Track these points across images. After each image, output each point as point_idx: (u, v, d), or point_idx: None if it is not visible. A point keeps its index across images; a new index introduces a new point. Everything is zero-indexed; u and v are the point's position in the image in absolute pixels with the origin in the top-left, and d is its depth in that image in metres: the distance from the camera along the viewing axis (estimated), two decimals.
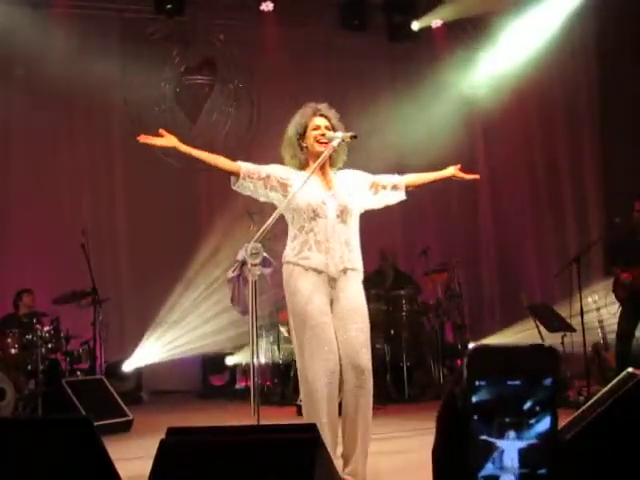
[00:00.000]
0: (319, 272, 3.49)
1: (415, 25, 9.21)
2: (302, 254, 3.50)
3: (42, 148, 8.42)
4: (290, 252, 3.54)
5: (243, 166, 3.61)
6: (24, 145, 8.35)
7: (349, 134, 3.55)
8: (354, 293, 3.57)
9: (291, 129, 3.67)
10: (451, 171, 3.83)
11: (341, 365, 3.45)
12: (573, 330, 6.63)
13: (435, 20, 9.27)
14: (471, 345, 6.52)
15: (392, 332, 7.46)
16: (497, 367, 1.60)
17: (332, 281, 3.52)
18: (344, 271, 3.54)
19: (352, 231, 3.63)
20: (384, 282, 7.90)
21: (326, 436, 3.33)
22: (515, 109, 9.28)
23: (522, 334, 7.89)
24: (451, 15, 9.00)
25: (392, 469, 4.09)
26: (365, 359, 3.47)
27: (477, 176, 3.90)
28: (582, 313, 6.14)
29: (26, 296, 7.05)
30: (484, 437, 1.58)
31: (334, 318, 3.50)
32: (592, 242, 6.54)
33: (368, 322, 3.59)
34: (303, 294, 3.46)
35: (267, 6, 8.89)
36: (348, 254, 3.56)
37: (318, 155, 3.56)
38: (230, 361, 8.41)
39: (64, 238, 7.74)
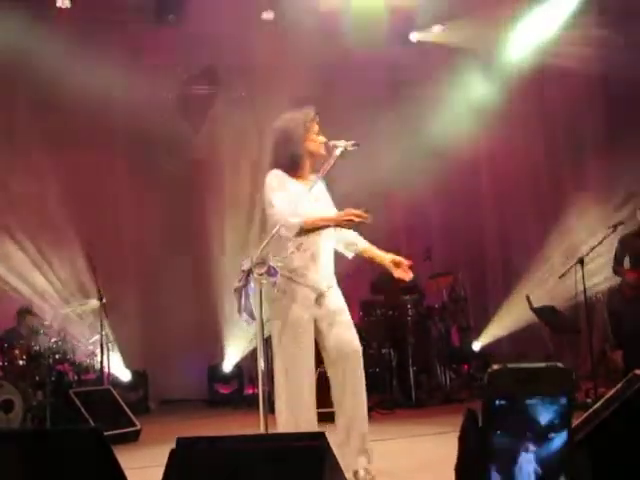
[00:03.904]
0: (310, 288, 3.60)
1: (414, 36, 9.21)
2: (297, 272, 3.58)
3: (46, 156, 8.45)
4: (285, 266, 3.58)
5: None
6: (28, 153, 8.39)
7: (351, 143, 3.56)
8: (337, 296, 3.73)
9: (296, 129, 3.65)
10: (388, 259, 3.76)
11: (330, 357, 3.61)
12: (578, 332, 6.63)
13: (436, 26, 9.27)
14: (476, 345, 6.54)
15: (398, 337, 7.46)
16: (516, 387, 1.66)
17: (320, 296, 3.64)
18: (330, 286, 3.70)
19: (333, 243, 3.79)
20: (388, 287, 7.90)
21: None
22: (517, 114, 9.28)
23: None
24: (452, 40, 9.03)
25: (399, 473, 4.10)
26: (357, 344, 3.65)
27: (409, 276, 3.81)
28: (588, 315, 6.14)
29: (29, 318, 7.03)
30: (505, 451, 1.63)
31: (319, 320, 3.62)
32: (596, 243, 6.54)
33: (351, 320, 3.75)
34: (289, 300, 3.56)
35: (267, 14, 8.92)
36: (332, 269, 3.72)
37: (318, 158, 3.64)
38: (227, 367, 8.44)
39: (70, 248, 7.78)
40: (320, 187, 3.76)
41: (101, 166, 8.80)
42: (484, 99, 9.20)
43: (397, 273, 3.73)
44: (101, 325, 6.87)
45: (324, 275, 3.64)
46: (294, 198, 3.51)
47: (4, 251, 7.95)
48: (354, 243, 3.81)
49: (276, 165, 3.66)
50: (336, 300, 3.71)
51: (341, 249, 3.85)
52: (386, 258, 3.76)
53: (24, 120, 8.43)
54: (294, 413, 3.45)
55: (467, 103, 9.29)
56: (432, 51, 9.33)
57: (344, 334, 3.64)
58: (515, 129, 9.41)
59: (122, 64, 8.60)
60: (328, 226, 3.56)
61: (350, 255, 3.86)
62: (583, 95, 9.50)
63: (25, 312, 7.04)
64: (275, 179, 3.61)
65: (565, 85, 9.34)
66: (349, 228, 3.58)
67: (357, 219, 3.43)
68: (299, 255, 3.57)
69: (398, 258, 3.75)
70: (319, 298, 3.63)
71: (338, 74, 9.19)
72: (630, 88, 8.47)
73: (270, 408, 3.29)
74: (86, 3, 8.58)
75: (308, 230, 3.52)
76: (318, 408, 3.61)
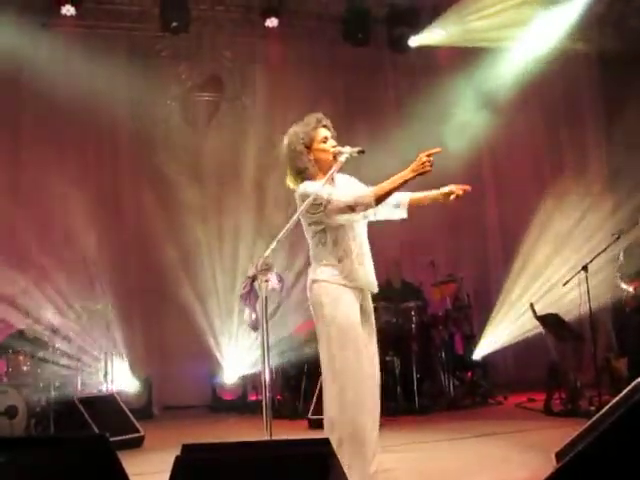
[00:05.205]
0: (360, 289, 3.62)
1: (413, 41, 9.23)
2: (351, 276, 3.57)
3: (50, 164, 8.47)
4: (337, 272, 3.56)
5: None
6: (32, 160, 8.42)
7: (356, 149, 3.57)
8: (372, 315, 3.73)
9: (297, 143, 3.64)
10: (450, 188, 3.66)
11: None
12: (582, 340, 6.62)
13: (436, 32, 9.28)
14: (480, 353, 6.55)
15: (402, 344, 7.46)
16: None
17: (363, 293, 3.65)
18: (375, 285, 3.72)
19: None
20: (392, 294, 7.91)
21: (368, 449, 3.47)
22: (520, 119, 9.30)
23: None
24: (447, 41, 9.05)
25: (402, 479, 4.09)
26: (378, 374, 3.67)
27: (469, 188, 3.70)
28: (592, 323, 6.13)
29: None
30: None
31: (362, 323, 3.63)
32: (600, 251, 6.55)
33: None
34: (345, 305, 3.55)
35: (272, 22, 8.95)
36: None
37: (329, 166, 3.60)
38: (229, 379, 8.43)
39: (74, 256, 7.80)
40: (347, 182, 3.74)
41: (104, 172, 8.83)
42: (487, 96, 9.21)
43: (453, 196, 3.61)
44: (105, 331, 6.89)
45: (372, 275, 3.68)
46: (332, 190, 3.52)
47: (8, 256, 7.97)
48: (399, 201, 3.69)
49: (293, 179, 3.69)
50: (371, 304, 3.72)
51: (394, 215, 3.74)
52: (438, 193, 3.66)
53: (29, 125, 8.46)
54: (356, 419, 3.43)
55: (469, 106, 9.30)
56: (433, 53, 9.36)
57: (375, 362, 3.66)
58: (519, 134, 9.42)
59: (126, 71, 8.64)
60: (404, 183, 3.40)
61: (405, 213, 3.73)
62: (582, 78, 9.55)
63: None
64: (308, 186, 3.58)
65: (564, 69, 9.36)
66: (427, 172, 3.38)
67: (431, 157, 3.33)
68: (349, 259, 3.57)
69: (447, 189, 3.64)
70: (363, 296, 3.65)
71: (341, 81, 9.23)
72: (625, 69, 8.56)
73: (274, 414, 3.29)
74: (91, 11, 8.65)
75: (382, 197, 3.44)
76: None
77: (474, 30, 8.82)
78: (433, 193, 3.70)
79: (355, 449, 3.40)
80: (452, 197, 3.62)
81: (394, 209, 3.73)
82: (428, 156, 3.35)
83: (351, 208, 3.46)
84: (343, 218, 3.52)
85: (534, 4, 8.62)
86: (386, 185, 3.46)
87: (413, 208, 3.76)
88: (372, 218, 3.75)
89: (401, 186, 3.45)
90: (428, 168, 3.35)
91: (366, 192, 3.48)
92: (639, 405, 2.25)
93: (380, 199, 3.45)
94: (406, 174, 3.40)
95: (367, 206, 3.46)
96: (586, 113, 9.92)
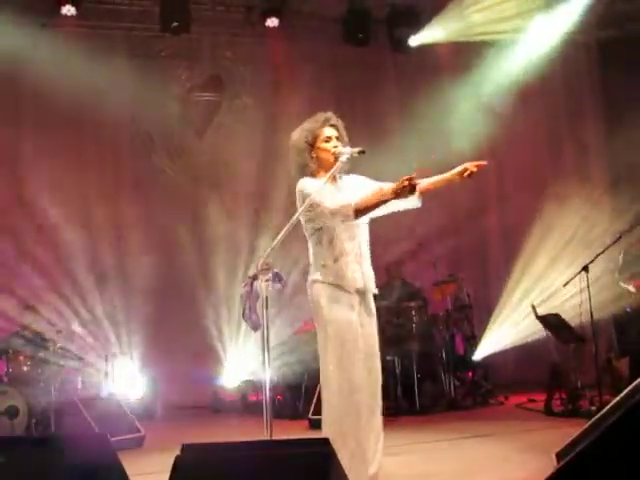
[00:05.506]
0: (358, 291, 3.60)
1: (413, 41, 9.22)
2: (346, 277, 3.56)
3: (51, 164, 8.47)
4: (334, 273, 3.56)
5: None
6: (34, 161, 8.41)
7: (357, 149, 3.57)
8: (374, 316, 3.70)
9: (300, 140, 3.66)
10: (464, 165, 3.59)
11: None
12: (583, 341, 6.62)
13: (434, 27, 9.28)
14: (480, 353, 6.51)
15: (402, 344, 7.46)
16: None
17: (362, 294, 3.63)
18: (373, 287, 3.69)
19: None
20: (392, 294, 7.91)
21: (365, 450, 3.46)
22: (521, 119, 9.29)
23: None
24: (447, 37, 9.04)
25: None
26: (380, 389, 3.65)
27: (484, 162, 3.63)
28: (592, 323, 6.13)
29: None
30: None
31: (361, 324, 3.61)
32: (601, 251, 6.54)
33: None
34: (343, 306, 3.54)
35: (272, 22, 8.96)
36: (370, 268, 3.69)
37: (330, 166, 3.60)
38: (231, 383, 8.42)
39: (75, 257, 7.79)
40: (354, 183, 3.72)
41: (104, 172, 8.82)
42: (488, 96, 9.21)
43: (467, 174, 3.57)
44: (107, 331, 6.89)
45: (370, 276, 3.66)
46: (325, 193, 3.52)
47: (8, 255, 7.97)
48: None
49: (295, 175, 3.69)
50: (372, 305, 3.70)
51: (407, 206, 3.69)
52: (453, 174, 3.61)
53: (29, 125, 8.46)
54: (353, 419, 3.41)
55: (470, 105, 9.30)
56: (434, 52, 9.36)
57: (377, 374, 3.65)
58: (520, 135, 9.41)
59: (126, 71, 8.64)
60: (386, 201, 3.42)
61: (418, 202, 3.67)
62: (583, 77, 9.54)
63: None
64: (305, 183, 3.59)
65: (565, 69, 9.36)
66: (409, 195, 3.39)
67: (413, 181, 3.32)
68: (344, 259, 3.56)
69: (461, 168, 3.59)
70: (362, 297, 3.63)
71: (342, 82, 9.23)
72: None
73: (274, 414, 3.29)
74: (91, 10, 8.65)
75: (362, 212, 3.45)
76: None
77: (474, 24, 8.82)
78: (447, 175, 3.66)
79: (352, 449, 3.39)
80: (466, 174, 3.58)
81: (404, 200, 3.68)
82: (409, 180, 3.34)
83: (333, 215, 3.48)
84: (338, 220, 3.52)
85: None
86: (368, 200, 3.47)
87: (430, 193, 3.71)
88: (384, 212, 3.70)
89: (380, 204, 3.47)
90: (405, 191, 3.35)
91: (348, 204, 3.47)
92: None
93: (359, 214, 3.47)
94: (387, 193, 3.41)
95: (346, 217, 3.47)
96: (587, 113, 9.92)
